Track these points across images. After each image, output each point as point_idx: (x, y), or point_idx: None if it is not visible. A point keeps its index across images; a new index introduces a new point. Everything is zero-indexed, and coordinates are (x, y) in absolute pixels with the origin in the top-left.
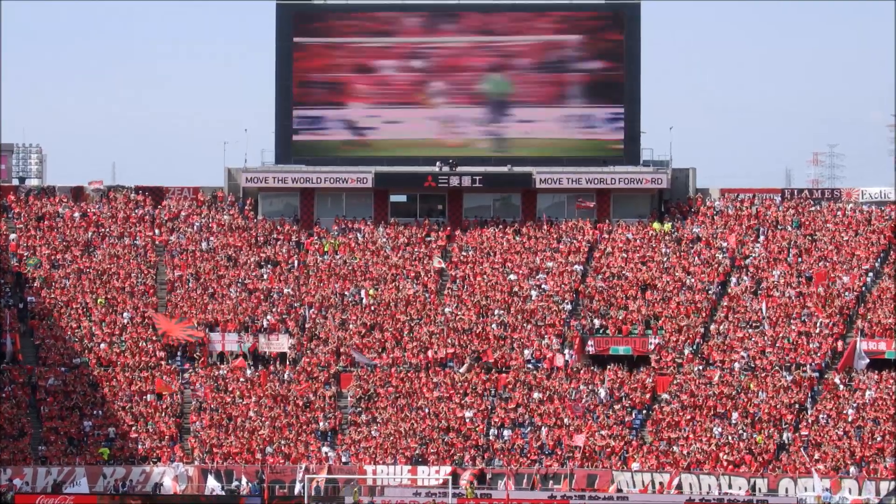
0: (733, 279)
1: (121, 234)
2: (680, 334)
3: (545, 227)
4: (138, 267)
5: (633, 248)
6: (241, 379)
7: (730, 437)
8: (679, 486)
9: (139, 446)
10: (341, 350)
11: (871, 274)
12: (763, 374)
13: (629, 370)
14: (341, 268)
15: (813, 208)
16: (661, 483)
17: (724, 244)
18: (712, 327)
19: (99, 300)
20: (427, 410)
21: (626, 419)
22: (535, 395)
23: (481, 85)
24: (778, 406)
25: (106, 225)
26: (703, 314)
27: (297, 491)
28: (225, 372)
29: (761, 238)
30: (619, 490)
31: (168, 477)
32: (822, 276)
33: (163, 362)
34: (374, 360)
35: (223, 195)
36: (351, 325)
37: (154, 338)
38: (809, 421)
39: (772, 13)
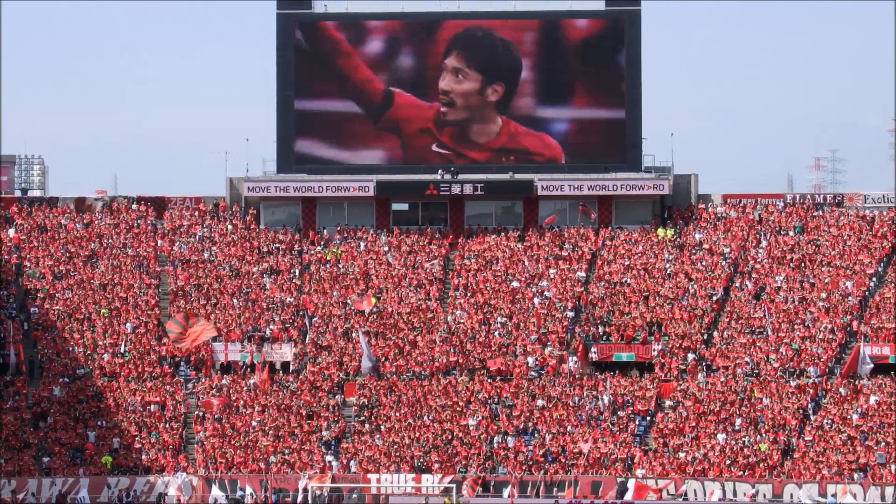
0: (736, 285)
1: (123, 245)
2: (683, 340)
3: (547, 234)
4: (141, 277)
5: (635, 255)
6: (245, 388)
7: (734, 444)
8: (684, 493)
9: (143, 456)
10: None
11: (874, 278)
12: (767, 380)
13: (632, 377)
14: (344, 276)
15: (815, 213)
16: (665, 490)
17: (727, 250)
18: (715, 333)
19: (102, 311)
20: (430, 418)
21: (630, 426)
22: (539, 402)
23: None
24: (782, 412)
25: (108, 236)
26: (706, 320)
27: (300, 500)
28: (228, 382)
29: (764, 243)
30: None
31: (172, 487)
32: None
33: (167, 374)
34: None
35: (225, 205)
36: (353, 334)
37: (157, 347)
38: (814, 426)
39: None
